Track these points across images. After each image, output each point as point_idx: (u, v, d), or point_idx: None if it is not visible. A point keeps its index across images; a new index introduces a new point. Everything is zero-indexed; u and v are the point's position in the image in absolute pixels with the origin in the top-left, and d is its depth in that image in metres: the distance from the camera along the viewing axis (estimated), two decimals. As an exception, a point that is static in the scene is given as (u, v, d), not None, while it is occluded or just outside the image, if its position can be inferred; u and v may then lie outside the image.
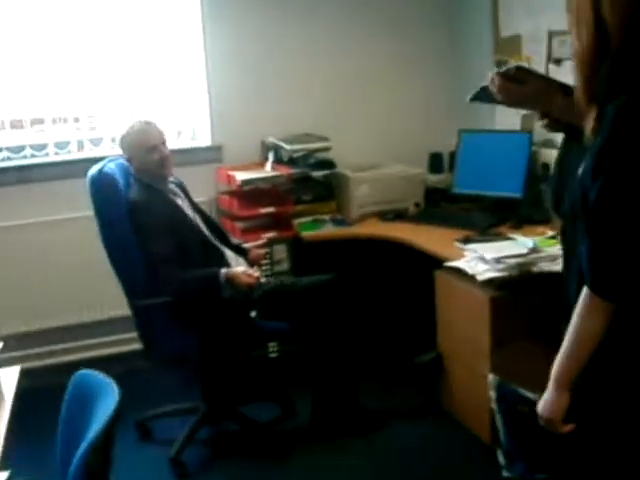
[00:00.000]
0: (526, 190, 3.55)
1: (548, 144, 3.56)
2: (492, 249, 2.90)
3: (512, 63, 2.15)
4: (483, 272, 2.78)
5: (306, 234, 3.57)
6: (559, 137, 3.37)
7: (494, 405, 2.68)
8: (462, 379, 3.07)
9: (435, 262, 3.16)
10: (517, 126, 3.78)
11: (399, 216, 3.73)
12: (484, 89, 2.05)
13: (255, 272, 2.86)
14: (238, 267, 2.92)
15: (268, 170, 3.69)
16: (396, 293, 3.71)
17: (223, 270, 2.84)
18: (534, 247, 2.84)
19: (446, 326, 3.15)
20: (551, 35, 3.48)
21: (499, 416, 2.64)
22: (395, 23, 4.05)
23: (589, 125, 1.51)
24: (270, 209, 3.55)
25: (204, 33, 3.73)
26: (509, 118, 3.84)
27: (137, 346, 3.15)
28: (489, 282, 2.78)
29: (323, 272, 3.26)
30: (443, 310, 3.15)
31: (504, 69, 1.95)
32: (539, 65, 3.56)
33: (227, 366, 3.15)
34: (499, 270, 2.76)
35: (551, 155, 3.53)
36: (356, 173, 3.81)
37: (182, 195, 3.10)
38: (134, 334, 3.06)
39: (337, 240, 3.58)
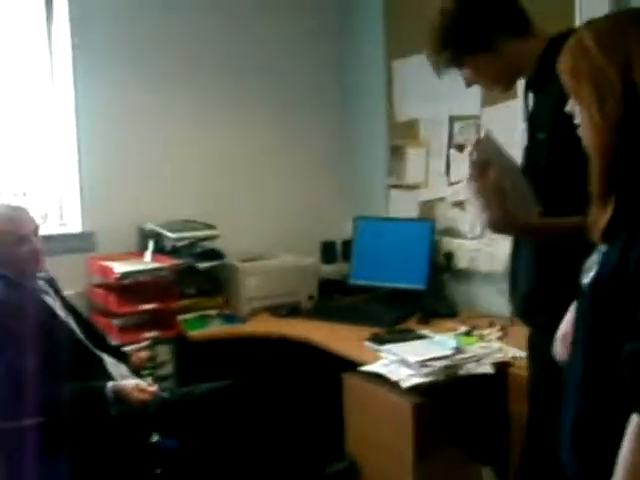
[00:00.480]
0: (429, 281, 3.34)
1: (450, 233, 3.40)
2: (411, 351, 2.62)
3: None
4: (407, 378, 2.48)
5: (193, 333, 3.16)
6: (461, 225, 3.26)
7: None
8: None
9: (340, 363, 2.85)
10: (414, 213, 3.59)
11: (293, 311, 3.41)
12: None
13: (149, 386, 2.42)
14: (128, 380, 2.47)
15: (148, 261, 3.27)
16: (299, 398, 3.33)
17: (110, 384, 2.40)
18: (458, 347, 2.59)
19: (358, 435, 2.81)
20: (452, 120, 3.35)
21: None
22: (285, 106, 3.82)
23: (599, 224, 1.28)
24: (152, 305, 3.13)
25: (76, 105, 3.32)
26: (404, 205, 3.67)
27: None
28: (412, 388, 2.48)
29: (214, 376, 2.87)
30: (354, 417, 2.82)
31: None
32: (440, 151, 3.42)
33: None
34: (424, 375, 2.47)
35: (452, 244, 3.37)
36: (245, 263, 3.47)
37: (52, 293, 2.63)
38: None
39: (228, 339, 3.19)
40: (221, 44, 3.65)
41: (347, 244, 3.74)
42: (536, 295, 1.91)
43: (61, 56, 3.33)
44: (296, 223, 3.81)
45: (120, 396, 2.40)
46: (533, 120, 1.93)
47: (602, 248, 1.31)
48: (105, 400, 2.39)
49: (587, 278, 1.35)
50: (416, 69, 3.51)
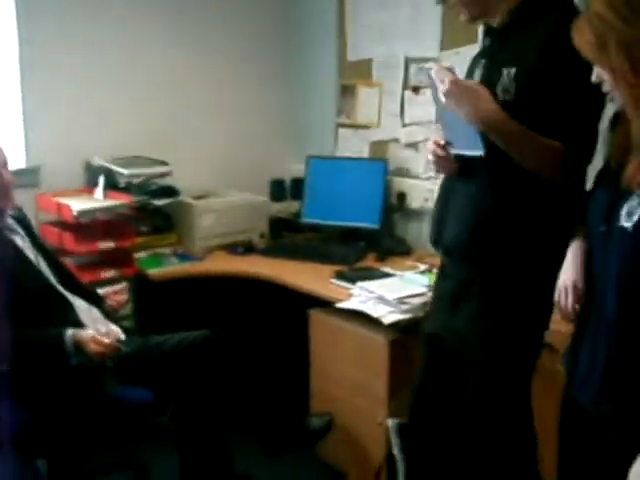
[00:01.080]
0: (383, 221, 3.40)
1: (402, 173, 3.46)
2: (387, 288, 2.68)
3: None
4: (387, 314, 2.55)
5: (153, 272, 3.10)
6: (415, 166, 3.32)
7: (396, 451, 2.49)
8: (348, 429, 2.81)
9: (302, 300, 2.89)
10: (365, 154, 3.63)
11: (249, 249, 3.40)
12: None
13: (107, 337, 2.28)
14: (87, 330, 2.33)
15: (100, 198, 3.16)
16: (263, 337, 3.34)
17: (69, 332, 2.27)
18: (430, 284, 2.67)
19: (324, 372, 2.87)
20: (407, 62, 3.37)
21: (402, 461, 2.47)
22: (235, 40, 3.72)
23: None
24: (110, 243, 3.04)
25: (19, 35, 3.12)
26: (353, 144, 3.69)
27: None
28: (388, 325, 2.56)
29: (173, 316, 2.84)
30: (321, 354, 2.88)
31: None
32: (394, 92, 3.44)
33: (70, 446, 2.54)
34: (404, 312, 2.55)
35: (405, 184, 3.43)
36: (199, 201, 3.42)
37: (22, 232, 2.50)
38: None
39: (187, 277, 3.15)
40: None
41: (296, 182, 3.74)
42: (489, 225, 1.95)
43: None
44: (245, 160, 3.77)
45: (78, 345, 2.27)
46: (495, 57, 1.98)
47: None
48: (64, 350, 2.27)
49: (629, 221, 1.43)
50: (370, 8, 3.52)
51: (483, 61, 2.04)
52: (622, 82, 1.41)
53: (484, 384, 2.06)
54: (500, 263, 1.96)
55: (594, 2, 1.44)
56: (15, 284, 2.26)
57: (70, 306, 2.46)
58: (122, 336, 2.39)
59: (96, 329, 2.35)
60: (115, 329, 2.41)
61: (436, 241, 2.16)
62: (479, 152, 1.87)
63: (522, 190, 1.91)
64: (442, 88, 1.86)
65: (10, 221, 2.47)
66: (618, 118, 1.58)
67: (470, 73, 2.12)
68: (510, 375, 2.02)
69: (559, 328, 1.93)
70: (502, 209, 1.93)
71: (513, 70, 1.89)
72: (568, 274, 1.72)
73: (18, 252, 2.42)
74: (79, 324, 2.37)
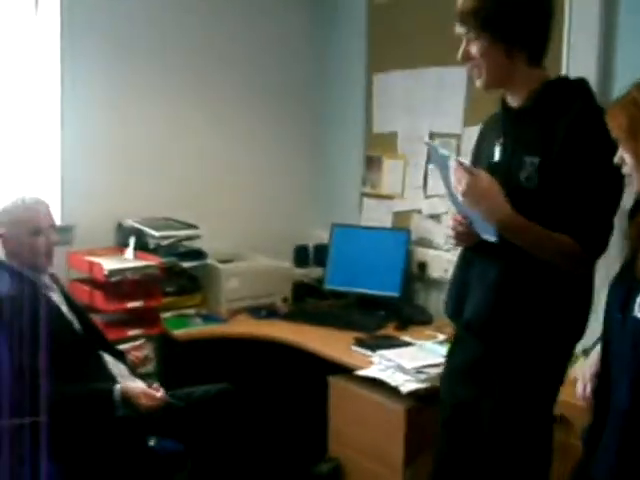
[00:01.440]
0: (404, 289, 3.48)
1: (424, 243, 3.54)
2: (405, 357, 2.74)
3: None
4: (404, 383, 2.60)
5: (178, 332, 3.19)
6: (436, 237, 3.40)
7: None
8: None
9: (322, 366, 2.95)
10: (388, 223, 3.72)
11: (272, 313, 3.48)
12: (443, 158, 2.02)
13: (157, 392, 2.43)
14: (136, 384, 2.48)
15: (130, 258, 3.27)
16: (283, 400, 3.40)
17: (118, 386, 2.41)
18: (448, 355, 2.72)
19: (343, 438, 2.90)
20: (432, 136, 3.49)
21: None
22: (267, 112, 3.90)
23: None
24: (138, 303, 3.13)
25: (62, 100, 3.30)
26: (377, 214, 3.79)
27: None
28: (409, 394, 2.61)
29: (196, 376, 2.91)
30: (339, 420, 2.91)
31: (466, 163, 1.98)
32: (418, 165, 3.56)
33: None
34: (421, 381, 2.60)
35: (426, 254, 3.51)
36: (225, 265, 3.52)
37: (57, 290, 2.61)
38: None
39: (210, 339, 3.23)
40: (207, 46, 3.70)
41: (320, 249, 3.83)
42: (504, 309, 2.01)
43: (49, 50, 3.30)
44: (270, 226, 3.88)
45: (127, 399, 2.40)
46: (515, 141, 2.04)
47: None
48: (112, 402, 2.39)
49: None
50: (396, 84, 3.66)
51: (501, 140, 2.08)
52: None
53: (497, 456, 2.09)
54: (516, 342, 2.02)
55: (633, 89, 1.53)
56: (54, 339, 2.36)
57: (102, 361, 2.57)
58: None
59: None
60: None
61: (454, 313, 2.22)
62: (493, 238, 1.95)
63: (537, 275, 1.97)
64: (460, 189, 1.94)
65: (47, 279, 2.58)
66: (638, 208, 1.65)
67: (481, 145, 2.21)
68: (524, 448, 2.06)
69: (572, 400, 2.00)
70: (521, 292, 1.99)
71: (537, 160, 1.95)
72: (592, 366, 1.79)
73: (55, 308, 2.53)
74: (111, 378, 2.46)
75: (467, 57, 2.04)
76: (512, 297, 2.01)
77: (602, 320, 1.72)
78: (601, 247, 1.93)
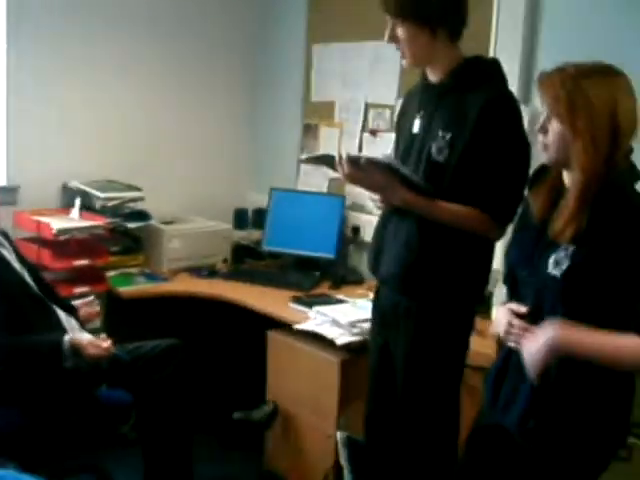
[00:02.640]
0: (339, 251, 3.68)
1: (357, 208, 3.74)
2: (340, 312, 2.95)
3: (363, 155, 2.41)
4: (339, 336, 2.82)
5: (124, 290, 3.32)
6: (368, 202, 3.61)
7: (344, 461, 2.75)
8: (299, 442, 3.05)
9: (258, 321, 3.14)
10: (324, 189, 3.91)
11: (212, 273, 3.64)
12: (327, 159, 2.26)
13: (104, 342, 2.55)
14: (83, 335, 2.61)
15: (75, 218, 3.38)
16: (225, 354, 3.58)
17: (67, 337, 2.52)
18: (379, 311, 2.94)
19: (281, 389, 3.10)
20: (367, 106, 3.68)
21: (348, 471, 2.72)
22: (205, 76, 4.04)
23: (570, 227, 1.66)
24: (84, 261, 3.26)
25: (7, 63, 3.36)
26: (314, 180, 3.97)
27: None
28: (341, 346, 2.82)
29: (142, 331, 3.06)
30: (277, 373, 3.11)
31: (354, 156, 2.20)
32: (354, 133, 3.75)
33: (49, 446, 2.74)
34: (355, 334, 2.82)
35: (360, 218, 3.72)
36: (167, 226, 3.66)
37: (8, 246, 2.72)
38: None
39: (153, 297, 3.38)
40: (149, 9, 3.80)
41: (258, 212, 4.00)
42: (417, 264, 2.25)
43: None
44: (211, 190, 4.05)
45: (76, 350, 2.52)
46: (432, 118, 2.24)
47: (569, 247, 1.68)
48: (61, 352, 2.50)
49: (558, 270, 1.70)
50: (335, 55, 3.83)
51: (422, 113, 2.28)
52: (578, 140, 1.65)
53: (411, 393, 2.33)
54: (425, 292, 2.27)
55: (571, 67, 1.69)
56: (7, 293, 2.49)
57: (55, 315, 2.70)
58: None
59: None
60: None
61: (373, 270, 2.45)
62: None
63: (445, 235, 2.21)
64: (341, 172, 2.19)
65: (-2, 236, 2.68)
66: (539, 176, 1.87)
67: (403, 116, 2.42)
68: (436, 383, 2.30)
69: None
70: (427, 252, 2.23)
71: (449, 135, 2.16)
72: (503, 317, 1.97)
73: (6, 264, 2.64)
74: (63, 331, 2.59)
75: (393, 39, 2.22)
76: (420, 253, 2.24)
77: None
78: (509, 216, 2.17)
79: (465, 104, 2.15)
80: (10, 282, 2.59)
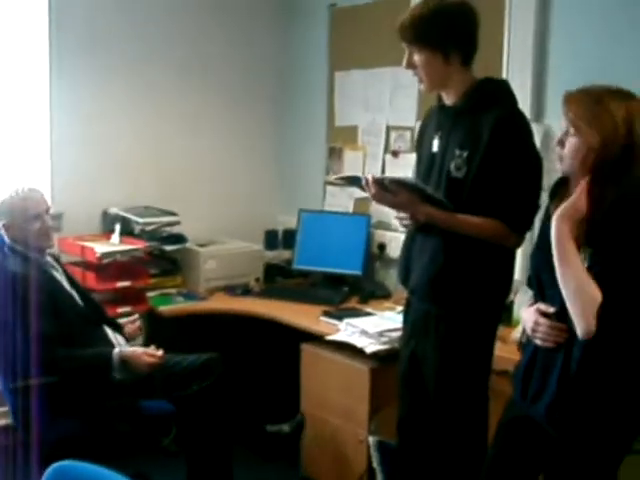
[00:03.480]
0: (365, 267, 3.85)
1: (383, 226, 3.91)
2: (369, 324, 3.12)
3: (387, 176, 2.60)
4: (369, 345, 2.98)
5: (163, 309, 3.52)
6: (393, 220, 3.77)
7: (376, 465, 2.90)
8: (333, 448, 3.20)
9: (294, 335, 3.31)
10: (349, 208, 4.10)
11: (246, 291, 3.82)
12: (354, 180, 2.43)
13: (157, 351, 2.76)
14: (135, 347, 2.81)
15: (116, 242, 3.60)
16: (261, 367, 3.76)
17: (116, 350, 2.73)
18: (406, 321, 3.11)
19: (315, 398, 3.26)
20: (389, 129, 3.87)
21: (381, 474, 2.87)
22: (236, 107, 4.27)
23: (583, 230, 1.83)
24: (126, 283, 3.46)
25: (50, 96, 3.61)
26: (339, 200, 4.16)
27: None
28: (372, 354, 2.98)
29: (181, 347, 3.24)
30: (311, 383, 3.27)
31: (379, 177, 2.40)
32: (377, 155, 3.93)
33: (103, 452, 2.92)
34: (383, 343, 2.98)
35: (385, 236, 3.88)
36: (203, 248, 3.86)
37: (59, 268, 2.93)
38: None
39: (191, 315, 3.57)
40: (180, 46, 4.03)
41: (288, 233, 4.19)
42: (443, 275, 2.40)
43: (39, 49, 3.59)
44: (243, 213, 4.26)
45: (126, 362, 2.71)
46: (449, 137, 2.41)
47: (586, 249, 1.84)
48: (110, 365, 2.70)
49: None
50: (356, 81, 4.03)
51: (439, 134, 2.45)
52: (591, 152, 1.83)
53: (443, 396, 2.47)
54: (452, 300, 2.42)
55: (598, 88, 1.88)
56: (62, 312, 2.70)
57: (103, 331, 2.91)
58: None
59: None
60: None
61: (403, 282, 2.62)
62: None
63: (468, 248, 2.36)
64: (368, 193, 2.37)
65: (49, 259, 2.90)
66: (559, 186, 2.03)
67: (422, 136, 2.59)
68: (466, 386, 2.44)
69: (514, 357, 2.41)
70: (452, 263, 2.39)
71: (465, 153, 2.33)
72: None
73: (59, 285, 2.86)
74: (112, 346, 2.78)
75: (410, 65, 2.40)
76: (445, 264, 2.39)
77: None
78: (526, 224, 2.35)
79: (478, 124, 2.31)
80: (62, 301, 2.80)
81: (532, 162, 2.31)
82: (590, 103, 1.86)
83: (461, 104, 2.39)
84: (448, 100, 2.44)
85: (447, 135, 2.41)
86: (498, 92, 2.39)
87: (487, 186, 2.31)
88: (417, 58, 2.37)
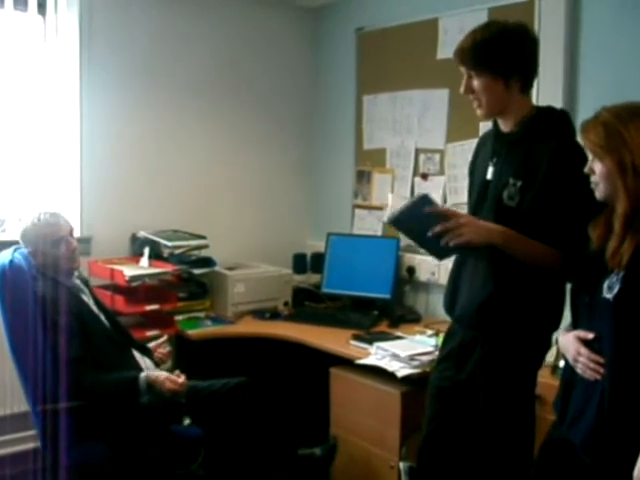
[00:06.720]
0: (395, 291, 3.82)
1: (412, 249, 3.86)
2: (399, 347, 3.07)
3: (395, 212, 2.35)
4: (400, 369, 2.94)
5: (192, 332, 3.51)
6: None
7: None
8: (363, 473, 3.15)
9: (324, 359, 3.27)
10: (378, 232, 4.07)
11: (274, 315, 3.80)
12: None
13: (180, 377, 2.73)
14: (159, 372, 2.79)
15: (145, 265, 3.59)
16: (290, 391, 3.72)
17: (143, 374, 2.71)
18: (436, 344, 3.06)
19: (345, 423, 3.22)
20: (417, 152, 3.85)
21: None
22: (266, 134, 4.31)
23: (619, 253, 1.81)
24: (155, 306, 3.45)
25: (81, 120, 3.64)
26: (367, 223, 4.14)
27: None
28: (403, 379, 2.94)
29: (210, 371, 3.22)
30: (340, 407, 3.23)
31: (390, 217, 2.35)
32: (405, 178, 3.91)
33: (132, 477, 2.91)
34: (414, 367, 2.93)
35: (414, 259, 3.85)
36: (231, 271, 3.85)
37: (87, 292, 2.93)
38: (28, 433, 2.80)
39: (220, 338, 3.55)
40: (212, 72, 4.07)
41: (316, 257, 4.17)
42: (492, 303, 2.33)
43: (69, 70, 3.64)
44: (271, 236, 4.27)
45: (152, 385, 2.69)
46: (504, 165, 2.34)
47: (620, 272, 1.81)
48: (138, 389, 2.68)
49: (610, 294, 1.84)
50: (384, 105, 4.03)
51: (494, 161, 2.38)
52: (618, 177, 1.82)
53: (488, 426, 2.41)
54: (498, 331, 2.35)
55: (603, 112, 1.88)
56: (90, 335, 2.69)
57: (131, 355, 2.88)
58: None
59: None
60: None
61: (449, 308, 2.56)
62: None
63: (518, 277, 2.30)
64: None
65: (77, 281, 2.90)
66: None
67: (476, 160, 2.52)
68: (514, 414, 2.36)
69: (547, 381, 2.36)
70: (503, 292, 2.32)
71: (519, 183, 2.26)
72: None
73: (87, 308, 2.85)
74: (139, 370, 2.77)
75: (469, 91, 2.32)
76: (495, 293, 2.33)
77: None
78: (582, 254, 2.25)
79: (534, 154, 2.24)
80: (91, 324, 2.79)
81: (589, 194, 2.24)
82: (603, 130, 1.85)
83: (517, 131, 2.32)
84: (504, 126, 2.37)
85: (502, 163, 2.35)
86: (556, 123, 2.31)
87: (541, 217, 2.24)
88: (476, 83, 2.29)
